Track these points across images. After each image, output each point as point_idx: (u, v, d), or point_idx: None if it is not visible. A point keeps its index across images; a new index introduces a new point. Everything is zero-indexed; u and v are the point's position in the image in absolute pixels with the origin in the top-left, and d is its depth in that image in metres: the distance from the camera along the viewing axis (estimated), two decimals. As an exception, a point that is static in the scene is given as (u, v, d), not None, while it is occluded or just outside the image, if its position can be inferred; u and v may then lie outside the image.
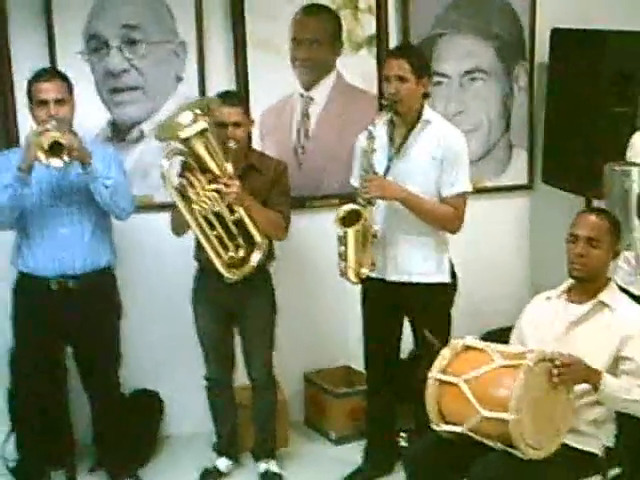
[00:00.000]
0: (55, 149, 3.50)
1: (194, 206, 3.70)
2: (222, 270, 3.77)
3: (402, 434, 4.23)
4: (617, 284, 3.74)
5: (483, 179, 4.85)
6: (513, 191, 4.96)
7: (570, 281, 3.31)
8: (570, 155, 4.56)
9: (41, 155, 3.49)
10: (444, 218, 3.82)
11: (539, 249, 5.00)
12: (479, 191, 4.72)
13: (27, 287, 3.81)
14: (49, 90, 3.67)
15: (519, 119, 4.87)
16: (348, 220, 3.72)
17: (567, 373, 2.98)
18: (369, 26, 4.54)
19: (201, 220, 3.72)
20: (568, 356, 3.01)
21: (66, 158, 3.51)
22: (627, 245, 3.67)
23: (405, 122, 3.80)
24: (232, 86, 4.36)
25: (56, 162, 3.52)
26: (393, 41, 4.56)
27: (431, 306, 3.87)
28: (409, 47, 4.15)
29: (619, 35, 4.30)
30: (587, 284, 3.25)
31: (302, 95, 4.51)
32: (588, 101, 4.41)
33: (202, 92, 4.35)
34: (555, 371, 2.96)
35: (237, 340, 4.10)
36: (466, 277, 4.50)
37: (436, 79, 4.64)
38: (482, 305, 4.83)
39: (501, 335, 3.58)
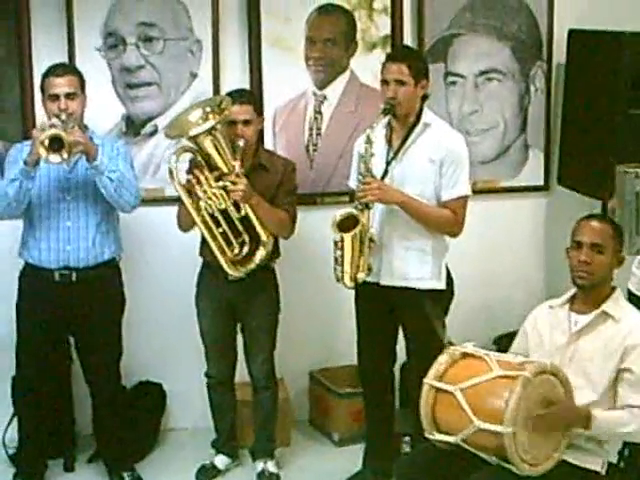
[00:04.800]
0: (56, 145, 3.30)
1: (201, 203, 3.51)
2: (226, 267, 3.56)
3: (405, 439, 3.86)
4: (631, 291, 3.42)
5: (498, 179, 4.50)
6: (529, 192, 4.58)
7: (573, 290, 2.96)
8: (586, 157, 4.22)
9: (41, 150, 3.30)
10: (443, 222, 3.49)
11: (554, 251, 4.57)
12: (494, 191, 4.44)
13: (31, 277, 3.63)
14: (60, 84, 3.51)
15: (535, 120, 4.51)
16: (345, 225, 3.44)
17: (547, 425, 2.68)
18: (384, 26, 4.23)
19: (207, 217, 3.53)
20: (555, 407, 2.70)
21: (65, 155, 3.30)
22: (637, 250, 3.32)
23: (404, 125, 3.51)
24: (246, 84, 4.11)
25: (54, 158, 3.32)
26: (407, 41, 4.25)
27: (424, 313, 3.53)
28: (408, 51, 3.84)
29: (636, 37, 3.97)
30: (591, 293, 2.90)
31: (315, 93, 4.23)
32: (605, 103, 4.08)
33: (216, 89, 4.11)
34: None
35: (239, 338, 3.82)
36: (479, 279, 4.19)
37: (451, 79, 4.35)
38: (495, 308, 4.48)
39: (514, 340, 3.19)
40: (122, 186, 3.47)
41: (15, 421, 3.89)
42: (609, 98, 4.03)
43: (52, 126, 3.35)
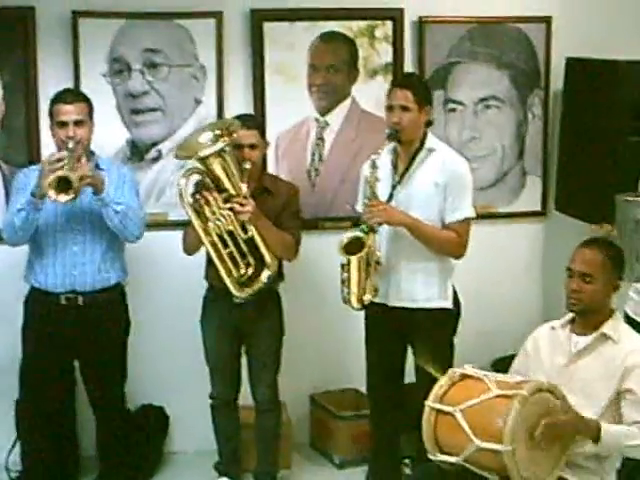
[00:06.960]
0: (64, 184, 3.34)
1: (209, 224, 3.57)
2: (231, 288, 3.61)
3: (406, 461, 3.91)
4: (628, 315, 3.48)
5: (496, 205, 4.57)
6: (526, 218, 4.65)
7: (573, 312, 3.02)
8: (584, 184, 4.27)
9: (50, 192, 3.33)
10: (447, 244, 3.58)
11: (551, 276, 4.66)
12: (492, 217, 4.50)
13: (37, 301, 3.67)
14: (69, 112, 3.55)
15: (533, 147, 4.58)
16: (351, 247, 3.52)
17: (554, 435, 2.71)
18: (385, 54, 4.32)
19: (215, 238, 3.59)
20: (562, 414, 2.73)
21: (73, 194, 3.35)
22: (637, 277, 3.39)
23: (408, 150, 3.61)
24: (250, 110, 4.19)
25: (63, 198, 3.35)
26: (408, 69, 4.34)
27: (433, 333, 3.59)
28: (413, 77, 3.97)
29: (633, 65, 4.03)
30: (589, 316, 2.97)
31: (317, 120, 4.32)
32: (602, 130, 4.14)
33: (220, 115, 4.19)
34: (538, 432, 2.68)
35: (244, 360, 3.86)
36: (477, 303, 4.25)
37: (450, 106, 4.43)
38: (493, 332, 4.52)
39: (512, 363, 3.25)
40: (127, 217, 3.52)
41: (18, 445, 3.92)
42: (606, 126, 4.08)
43: (59, 162, 3.34)
